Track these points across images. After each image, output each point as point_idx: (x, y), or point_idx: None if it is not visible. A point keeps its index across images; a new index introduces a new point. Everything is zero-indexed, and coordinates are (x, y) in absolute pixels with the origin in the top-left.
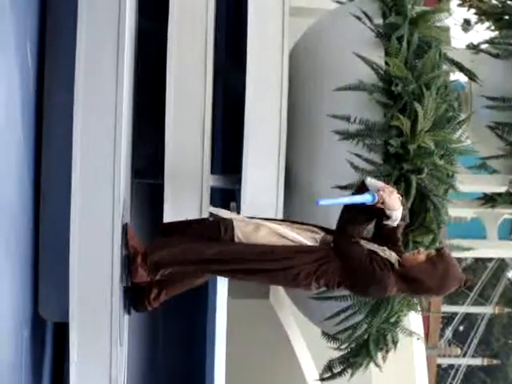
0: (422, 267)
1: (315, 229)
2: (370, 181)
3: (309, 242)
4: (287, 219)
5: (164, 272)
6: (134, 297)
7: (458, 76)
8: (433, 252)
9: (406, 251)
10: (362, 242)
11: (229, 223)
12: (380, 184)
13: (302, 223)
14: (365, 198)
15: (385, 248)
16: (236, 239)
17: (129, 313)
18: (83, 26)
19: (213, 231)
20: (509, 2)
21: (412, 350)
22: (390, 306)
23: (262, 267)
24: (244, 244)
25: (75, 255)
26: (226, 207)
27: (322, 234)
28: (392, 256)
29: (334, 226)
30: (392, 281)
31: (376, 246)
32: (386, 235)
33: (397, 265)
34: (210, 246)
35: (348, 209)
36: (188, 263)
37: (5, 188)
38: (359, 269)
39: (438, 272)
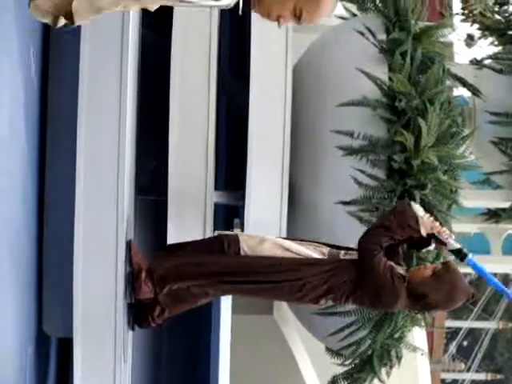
0: (428, 282)
1: (319, 244)
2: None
3: (315, 255)
4: (289, 238)
5: (170, 288)
6: (137, 313)
7: (461, 91)
8: (439, 266)
9: (412, 267)
10: None
11: (233, 237)
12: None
13: (304, 240)
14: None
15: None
16: (242, 252)
17: (133, 329)
18: (86, 43)
19: (216, 246)
20: None
21: (416, 365)
22: (393, 322)
23: (268, 279)
24: (250, 256)
25: (79, 271)
26: (230, 223)
27: (327, 248)
28: (401, 271)
29: (337, 242)
30: (403, 294)
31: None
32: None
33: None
34: (215, 259)
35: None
36: (192, 277)
37: (8, 202)
38: (378, 278)
39: (445, 286)
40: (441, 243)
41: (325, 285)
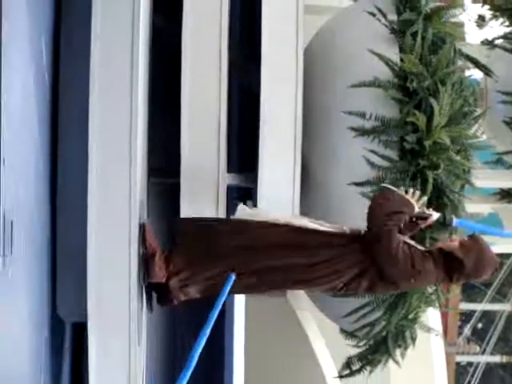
0: (457, 253)
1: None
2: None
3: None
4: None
5: (181, 278)
6: (158, 293)
7: (473, 72)
8: (466, 238)
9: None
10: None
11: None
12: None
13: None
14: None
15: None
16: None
17: (151, 310)
18: (97, 23)
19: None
20: None
21: (430, 347)
22: (408, 303)
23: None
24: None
25: (93, 255)
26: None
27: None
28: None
29: (350, 223)
30: (432, 267)
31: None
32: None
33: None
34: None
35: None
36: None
37: (21, 189)
38: (400, 258)
39: (473, 255)
40: (424, 218)
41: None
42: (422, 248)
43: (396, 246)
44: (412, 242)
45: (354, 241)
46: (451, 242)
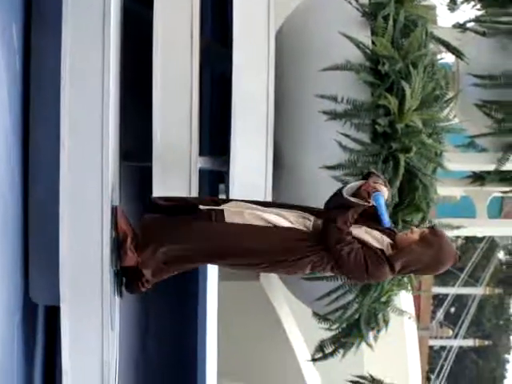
0: (416, 247)
1: (305, 214)
2: (351, 187)
3: (297, 226)
4: (277, 202)
5: (153, 253)
6: (127, 279)
7: (444, 56)
8: (426, 230)
9: (399, 230)
10: (354, 231)
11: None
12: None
13: (292, 206)
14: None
15: (375, 232)
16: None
17: (120, 295)
18: (68, 7)
19: (204, 216)
20: None
21: (404, 331)
22: (380, 286)
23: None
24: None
25: (65, 239)
26: (215, 189)
27: (312, 218)
28: (384, 241)
29: (322, 207)
30: (386, 270)
31: (366, 232)
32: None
33: (389, 248)
34: (201, 227)
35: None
36: (176, 243)
37: None
38: (354, 267)
39: (432, 250)
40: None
41: (307, 258)
42: (379, 246)
43: (353, 260)
44: (370, 240)
45: (316, 241)
46: (412, 233)
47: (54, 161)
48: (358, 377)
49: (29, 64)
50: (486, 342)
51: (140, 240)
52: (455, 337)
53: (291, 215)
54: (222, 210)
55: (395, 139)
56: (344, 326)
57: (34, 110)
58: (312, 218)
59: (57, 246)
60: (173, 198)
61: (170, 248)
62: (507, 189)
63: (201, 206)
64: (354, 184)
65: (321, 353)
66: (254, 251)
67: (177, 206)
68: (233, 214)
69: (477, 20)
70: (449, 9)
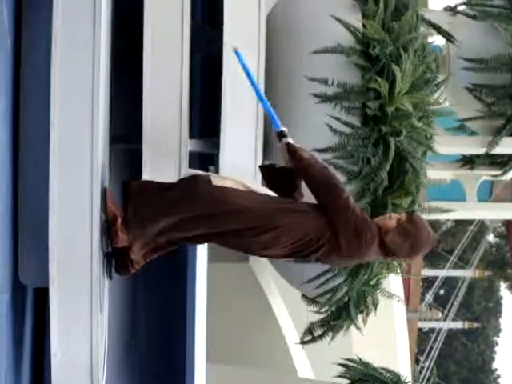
0: (392, 235)
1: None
2: None
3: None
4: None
5: (143, 231)
6: (116, 261)
7: (435, 39)
8: (403, 217)
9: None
10: None
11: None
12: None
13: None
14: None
15: None
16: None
17: (110, 277)
18: None
19: (191, 186)
20: None
21: (393, 313)
22: (369, 269)
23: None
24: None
25: (54, 221)
26: (205, 171)
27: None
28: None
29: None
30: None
31: None
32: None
33: None
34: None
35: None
36: (166, 219)
37: None
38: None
39: (409, 238)
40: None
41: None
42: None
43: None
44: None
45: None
46: (389, 219)
47: (44, 143)
48: (347, 360)
49: (20, 46)
50: (475, 325)
51: (128, 210)
52: (444, 319)
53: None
54: (209, 176)
55: (385, 122)
56: (333, 308)
57: (24, 93)
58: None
59: (46, 227)
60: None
61: (159, 219)
62: (497, 172)
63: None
64: None
65: (310, 336)
66: (242, 212)
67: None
68: (220, 179)
69: (468, 3)
70: None
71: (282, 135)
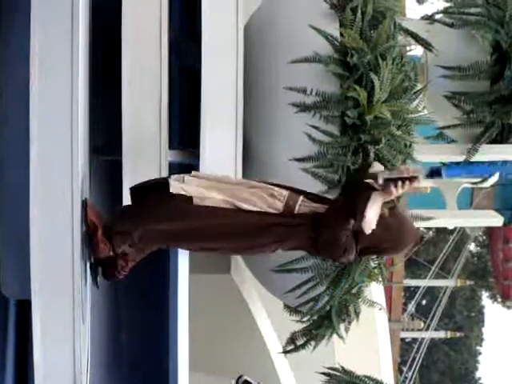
0: (376, 230)
1: (277, 192)
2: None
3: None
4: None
5: (131, 240)
6: (103, 268)
7: (413, 48)
8: (386, 212)
9: None
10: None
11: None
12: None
13: (265, 182)
14: None
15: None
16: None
17: (97, 286)
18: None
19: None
20: None
21: (375, 323)
22: (351, 277)
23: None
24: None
25: (35, 233)
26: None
27: (285, 193)
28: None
29: None
30: (353, 249)
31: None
32: None
33: None
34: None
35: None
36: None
37: None
38: (335, 241)
39: (393, 232)
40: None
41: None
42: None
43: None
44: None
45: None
46: None
47: (24, 154)
48: (330, 368)
49: None
50: (458, 334)
51: (113, 229)
52: (427, 329)
53: (257, 198)
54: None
55: (364, 131)
56: (315, 317)
57: (3, 99)
58: (285, 192)
59: (27, 239)
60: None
61: (142, 230)
62: (477, 180)
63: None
64: None
65: (292, 345)
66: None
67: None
68: (202, 200)
69: (445, 11)
70: (417, 1)
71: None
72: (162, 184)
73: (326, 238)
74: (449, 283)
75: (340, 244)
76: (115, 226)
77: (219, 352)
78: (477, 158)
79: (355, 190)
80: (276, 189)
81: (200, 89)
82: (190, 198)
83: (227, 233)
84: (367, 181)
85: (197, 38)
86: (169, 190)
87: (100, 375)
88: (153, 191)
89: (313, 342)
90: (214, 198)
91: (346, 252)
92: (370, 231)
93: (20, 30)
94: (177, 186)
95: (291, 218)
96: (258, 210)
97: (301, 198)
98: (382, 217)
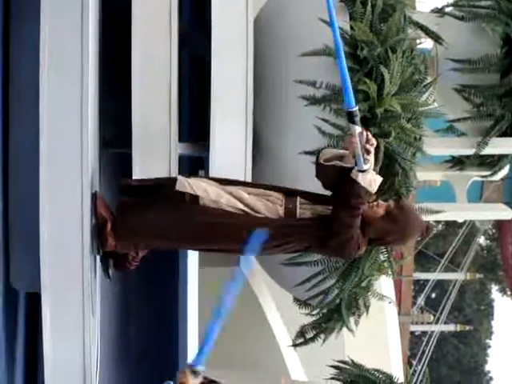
0: (382, 222)
1: (274, 197)
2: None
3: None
4: (248, 182)
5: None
6: (114, 259)
7: (423, 41)
8: (391, 204)
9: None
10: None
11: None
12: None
13: (265, 187)
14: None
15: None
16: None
17: (109, 277)
18: None
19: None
20: None
21: (385, 316)
22: (360, 271)
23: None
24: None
25: (45, 226)
26: (195, 175)
27: (282, 197)
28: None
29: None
30: (363, 244)
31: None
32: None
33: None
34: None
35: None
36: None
37: None
38: (346, 240)
39: (399, 225)
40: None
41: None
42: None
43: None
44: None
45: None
46: (377, 207)
47: (33, 148)
48: (339, 361)
49: (8, 54)
50: (468, 327)
51: (117, 226)
52: (436, 322)
53: (261, 204)
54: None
55: (374, 124)
56: (325, 311)
57: (14, 93)
58: (281, 197)
59: (37, 232)
60: (145, 180)
61: (145, 233)
62: (487, 173)
63: (177, 187)
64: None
65: (302, 338)
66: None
67: (150, 187)
68: (208, 201)
69: (455, 4)
70: None
71: (351, 116)
72: (164, 184)
73: (339, 241)
74: (458, 276)
75: (353, 243)
76: (117, 239)
77: (229, 345)
78: (487, 151)
79: (337, 186)
80: (272, 193)
81: (210, 81)
82: (196, 197)
83: (232, 235)
84: (332, 163)
85: (207, 30)
86: (174, 189)
87: (109, 367)
88: (155, 190)
89: (322, 336)
90: (219, 200)
91: (359, 249)
92: (375, 189)
93: (30, 22)
94: (184, 182)
95: (294, 220)
96: (262, 216)
97: (298, 200)
98: (387, 209)
